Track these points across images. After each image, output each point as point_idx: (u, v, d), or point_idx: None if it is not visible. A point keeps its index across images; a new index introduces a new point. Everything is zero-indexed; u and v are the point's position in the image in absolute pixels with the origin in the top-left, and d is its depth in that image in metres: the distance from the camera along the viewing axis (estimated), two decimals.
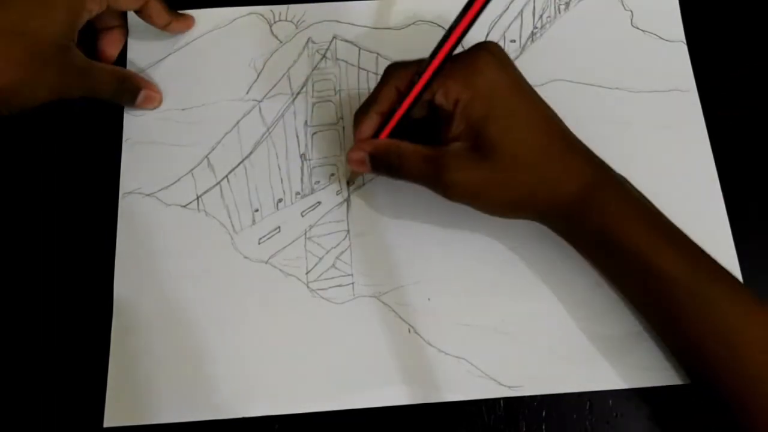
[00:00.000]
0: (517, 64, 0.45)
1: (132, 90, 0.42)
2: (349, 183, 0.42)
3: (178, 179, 0.42)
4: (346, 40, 0.45)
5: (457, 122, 0.35)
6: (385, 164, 0.37)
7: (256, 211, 0.41)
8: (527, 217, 0.37)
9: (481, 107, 0.34)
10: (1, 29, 0.35)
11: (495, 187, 0.35)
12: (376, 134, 0.37)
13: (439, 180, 0.35)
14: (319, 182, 0.42)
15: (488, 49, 0.35)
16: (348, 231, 0.41)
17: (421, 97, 0.35)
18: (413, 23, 0.46)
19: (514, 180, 0.35)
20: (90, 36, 0.42)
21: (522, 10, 0.46)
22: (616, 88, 0.44)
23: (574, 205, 0.35)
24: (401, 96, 0.35)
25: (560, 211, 0.35)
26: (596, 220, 0.35)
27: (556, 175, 0.35)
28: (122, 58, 0.44)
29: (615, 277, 0.37)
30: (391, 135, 0.37)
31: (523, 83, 0.36)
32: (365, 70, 0.44)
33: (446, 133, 0.35)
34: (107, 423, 0.37)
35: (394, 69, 0.36)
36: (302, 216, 0.41)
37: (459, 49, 0.34)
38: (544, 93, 0.43)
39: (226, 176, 0.42)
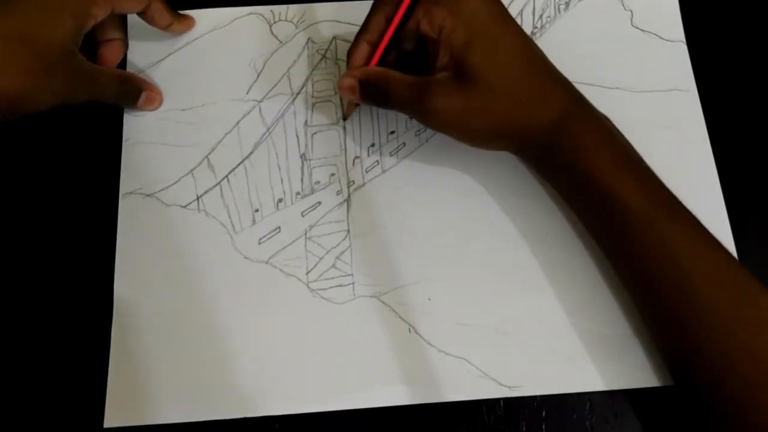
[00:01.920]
0: None
1: (134, 92, 0.42)
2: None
3: (178, 179, 0.42)
4: (346, 40, 0.45)
5: (442, 51, 0.36)
6: (373, 91, 0.38)
7: (256, 211, 0.41)
8: (506, 146, 0.38)
9: (464, 33, 0.35)
10: (9, 35, 0.35)
11: (476, 113, 0.36)
12: (367, 64, 0.38)
13: (423, 106, 0.36)
14: (319, 182, 0.42)
15: None
16: (348, 231, 0.41)
17: (406, 21, 0.36)
18: None
19: (495, 106, 0.35)
20: (90, 49, 0.42)
21: (522, 10, 0.46)
22: (616, 88, 0.44)
23: (550, 131, 0.36)
24: (389, 23, 0.37)
25: (536, 138, 0.36)
26: (569, 147, 0.35)
27: (535, 101, 0.36)
28: (122, 59, 0.44)
29: (580, 208, 0.38)
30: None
31: (506, 13, 0.37)
32: None
33: (433, 65, 0.36)
34: (107, 423, 0.37)
35: (380, 0, 0.38)
36: (302, 216, 0.41)
37: None
38: None
39: (226, 176, 0.42)
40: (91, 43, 0.42)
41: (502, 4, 0.37)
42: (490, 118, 0.36)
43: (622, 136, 0.37)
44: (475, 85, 0.35)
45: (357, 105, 0.42)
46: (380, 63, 0.38)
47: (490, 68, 0.35)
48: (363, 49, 0.38)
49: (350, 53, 0.39)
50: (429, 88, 0.36)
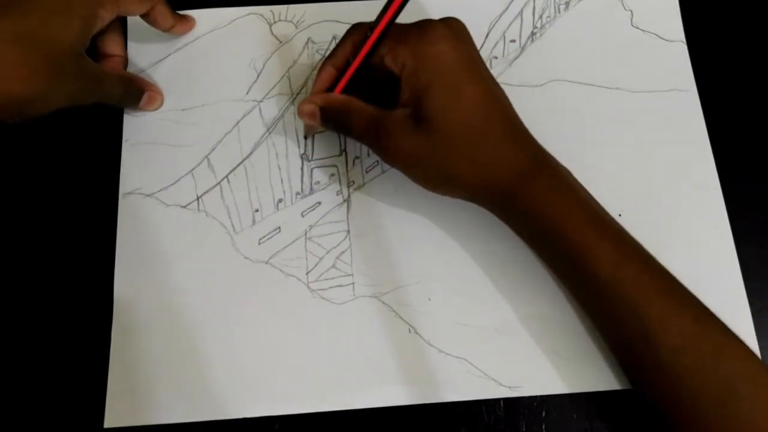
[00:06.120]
0: (517, 64, 0.46)
1: (137, 93, 0.42)
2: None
3: (178, 179, 0.42)
4: None
5: (403, 88, 0.35)
6: (333, 119, 0.37)
7: (257, 211, 0.41)
8: (459, 196, 0.37)
9: (425, 77, 0.34)
10: (20, 38, 0.34)
11: (427, 159, 0.35)
12: (331, 89, 0.38)
13: (378, 142, 0.36)
14: (319, 182, 0.42)
15: (446, 23, 0.36)
16: (348, 231, 0.41)
17: (372, 54, 0.36)
18: None
19: (446, 157, 0.35)
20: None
21: (522, 10, 0.46)
22: (616, 88, 0.44)
23: (506, 191, 0.35)
24: (355, 51, 0.36)
25: (492, 195, 0.36)
26: (527, 207, 0.35)
27: (490, 160, 0.35)
28: None
29: (545, 261, 0.37)
30: (352, 94, 0.37)
31: (475, 61, 0.36)
32: None
33: (398, 98, 0.36)
34: (107, 424, 0.37)
35: (354, 27, 0.38)
36: (302, 216, 0.41)
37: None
38: (544, 93, 0.44)
39: (227, 176, 0.42)
40: (92, 57, 0.42)
41: (473, 50, 0.36)
42: (442, 167, 0.35)
43: (586, 191, 0.36)
44: (430, 130, 0.34)
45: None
46: (351, 89, 0.37)
47: (447, 116, 0.34)
48: (328, 72, 0.38)
49: (316, 76, 0.38)
50: (386, 124, 0.35)
